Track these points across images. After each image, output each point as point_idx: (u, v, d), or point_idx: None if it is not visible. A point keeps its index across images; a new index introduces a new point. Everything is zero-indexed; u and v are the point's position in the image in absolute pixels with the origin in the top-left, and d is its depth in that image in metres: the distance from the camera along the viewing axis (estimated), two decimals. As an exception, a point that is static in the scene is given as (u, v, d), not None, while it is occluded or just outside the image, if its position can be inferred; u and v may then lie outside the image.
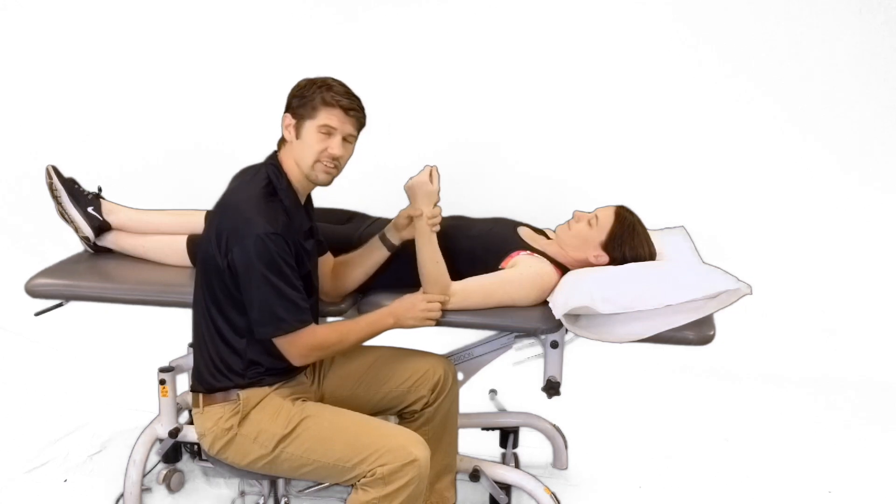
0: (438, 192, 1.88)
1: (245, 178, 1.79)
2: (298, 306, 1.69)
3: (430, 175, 1.87)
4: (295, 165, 1.76)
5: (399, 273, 1.98)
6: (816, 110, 3.72)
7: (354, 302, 2.07)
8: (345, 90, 1.74)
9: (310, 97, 1.71)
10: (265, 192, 1.72)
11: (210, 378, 1.80)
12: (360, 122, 1.78)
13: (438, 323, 1.88)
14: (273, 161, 1.79)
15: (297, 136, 1.74)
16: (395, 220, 1.97)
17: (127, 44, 3.86)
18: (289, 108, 1.76)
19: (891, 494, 2.49)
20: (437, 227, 1.88)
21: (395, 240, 1.98)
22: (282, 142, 1.80)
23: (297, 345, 1.72)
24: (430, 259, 1.87)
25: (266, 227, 1.65)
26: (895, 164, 3.76)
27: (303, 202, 1.83)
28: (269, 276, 1.65)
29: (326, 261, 2.01)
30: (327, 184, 1.79)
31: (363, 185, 2.81)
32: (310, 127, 1.72)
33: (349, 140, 1.76)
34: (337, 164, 1.76)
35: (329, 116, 1.71)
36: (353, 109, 1.73)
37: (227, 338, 1.76)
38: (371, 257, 2.00)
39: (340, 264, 2.03)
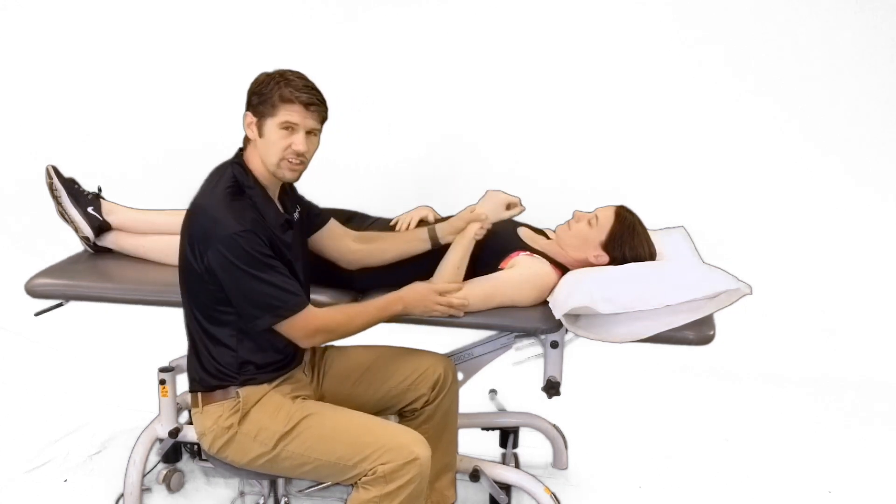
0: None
1: (211, 182, 1.76)
2: (288, 291, 1.68)
3: (510, 204, 2.02)
4: (261, 163, 1.74)
5: (403, 278, 1.97)
6: (817, 110, 3.72)
7: (354, 300, 2.06)
8: (304, 83, 1.70)
9: (268, 94, 1.67)
10: (230, 192, 1.70)
11: (207, 378, 1.80)
12: (322, 115, 1.74)
13: (440, 323, 1.89)
14: (238, 160, 1.77)
15: (260, 134, 1.71)
16: (455, 220, 2.00)
17: (127, 44, 3.86)
18: (249, 106, 1.72)
19: (891, 494, 2.49)
20: (481, 235, 1.97)
21: (445, 239, 2.00)
22: (246, 140, 1.77)
23: (299, 327, 1.71)
24: (455, 264, 1.92)
25: (235, 225, 1.64)
26: (895, 164, 3.76)
27: (275, 196, 1.81)
28: (251, 271, 1.64)
29: (333, 230, 2.00)
30: (294, 180, 1.77)
31: (363, 185, 2.81)
32: (271, 125, 1.69)
33: (313, 133, 1.74)
34: (302, 160, 1.73)
35: (290, 113, 1.68)
36: (314, 104, 1.69)
37: (218, 339, 1.77)
38: (410, 245, 2.02)
39: (378, 239, 2.03)
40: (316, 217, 1.97)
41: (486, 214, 1.97)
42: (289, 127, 1.68)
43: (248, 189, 1.73)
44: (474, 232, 1.96)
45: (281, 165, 1.71)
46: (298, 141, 1.69)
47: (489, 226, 1.99)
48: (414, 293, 1.84)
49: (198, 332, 1.78)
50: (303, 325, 1.71)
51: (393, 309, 1.82)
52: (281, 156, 1.70)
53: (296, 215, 1.88)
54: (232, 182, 1.72)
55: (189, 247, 1.70)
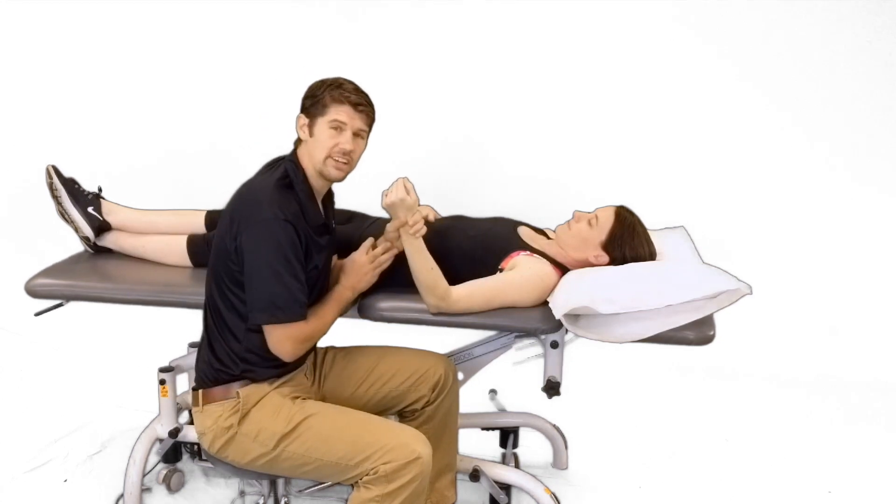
0: (417, 201, 1.85)
1: (264, 171, 1.83)
2: (297, 299, 1.70)
3: (406, 188, 1.84)
4: (310, 163, 1.79)
5: (395, 278, 1.97)
6: (818, 110, 3.72)
7: (354, 303, 2.06)
8: (354, 87, 1.78)
9: (321, 96, 1.76)
10: (280, 183, 1.75)
11: (216, 363, 1.80)
12: (370, 117, 1.81)
13: (440, 323, 1.89)
14: (292, 157, 1.82)
15: (311, 133, 1.78)
16: (385, 236, 1.95)
17: (128, 44, 3.86)
18: (303, 109, 1.80)
19: (891, 494, 2.49)
20: (423, 231, 1.86)
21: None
22: (298, 142, 1.83)
23: (285, 338, 1.73)
24: (424, 267, 1.86)
25: (277, 212, 1.68)
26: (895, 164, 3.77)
27: (320, 199, 1.86)
28: (273, 263, 1.67)
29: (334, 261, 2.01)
30: (340, 179, 1.81)
31: (363, 185, 2.80)
32: (321, 124, 1.76)
33: (360, 135, 1.80)
34: (349, 160, 1.78)
35: (338, 112, 1.75)
36: (362, 104, 1.77)
37: (230, 324, 1.78)
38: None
39: (338, 268, 2.02)
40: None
41: (404, 220, 1.84)
42: (337, 126, 1.75)
43: (296, 183, 1.77)
44: (408, 235, 1.85)
45: (327, 163, 1.77)
46: (345, 140, 1.76)
47: (418, 218, 1.85)
48: (352, 274, 1.88)
49: (214, 315, 1.80)
50: (290, 334, 1.73)
51: (345, 298, 1.87)
52: (328, 153, 1.76)
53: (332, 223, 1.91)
54: (283, 174, 1.77)
55: (229, 224, 1.73)
